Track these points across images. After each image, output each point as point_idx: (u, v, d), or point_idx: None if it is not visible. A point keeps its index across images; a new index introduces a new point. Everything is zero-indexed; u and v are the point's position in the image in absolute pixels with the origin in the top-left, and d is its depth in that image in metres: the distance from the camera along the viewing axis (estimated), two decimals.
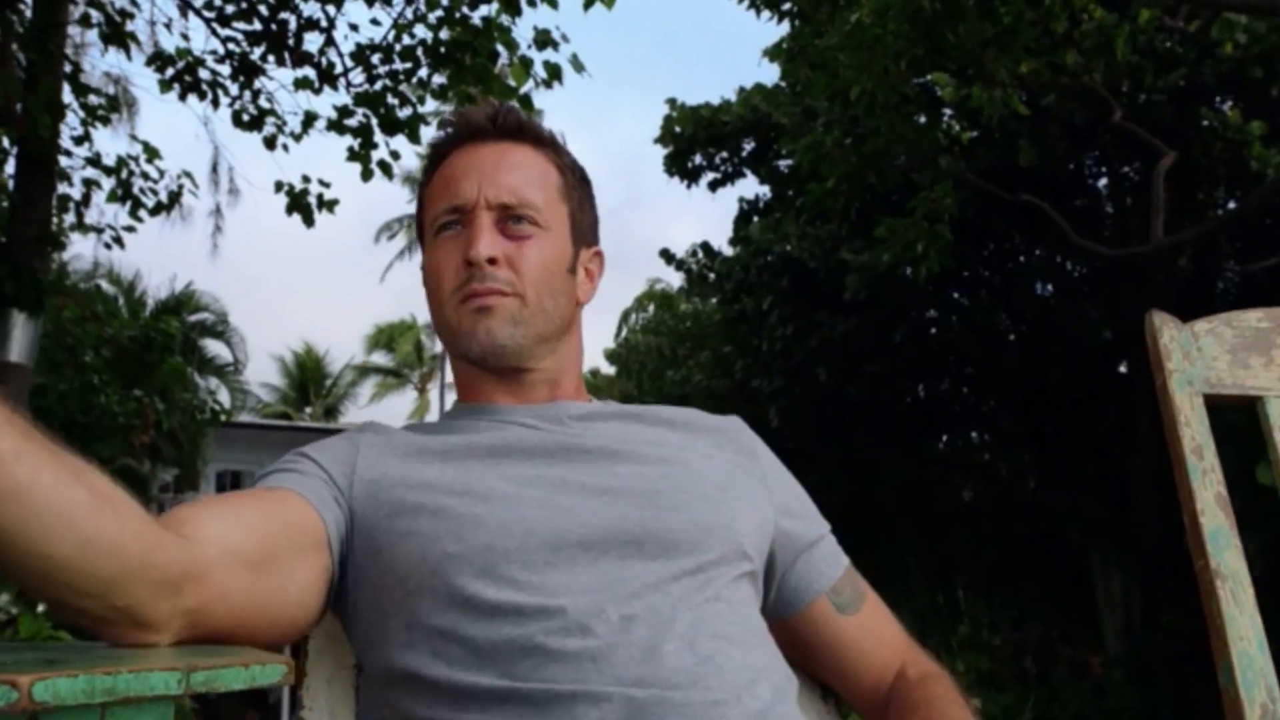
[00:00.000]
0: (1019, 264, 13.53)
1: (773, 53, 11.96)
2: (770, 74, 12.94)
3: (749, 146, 14.39)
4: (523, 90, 5.95)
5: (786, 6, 8.90)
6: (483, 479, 1.06)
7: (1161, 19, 9.93)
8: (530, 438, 1.12)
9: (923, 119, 10.21)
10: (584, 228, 1.23)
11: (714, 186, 14.57)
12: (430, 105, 7.15)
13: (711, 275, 14.37)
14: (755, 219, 14.43)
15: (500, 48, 6.11)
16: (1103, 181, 13.14)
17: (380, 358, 32.09)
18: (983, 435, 15.43)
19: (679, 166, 14.38)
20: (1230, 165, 10.78)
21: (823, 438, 13.59)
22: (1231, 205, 11.35)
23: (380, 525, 1.03)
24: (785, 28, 9.89)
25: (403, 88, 6.52)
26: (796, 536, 1.18)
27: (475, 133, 1.19)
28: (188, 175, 7.38)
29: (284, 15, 6.67)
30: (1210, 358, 1.22)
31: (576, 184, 1.23)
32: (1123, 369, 12.07)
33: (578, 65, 5.91)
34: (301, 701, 1.07)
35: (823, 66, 8.98)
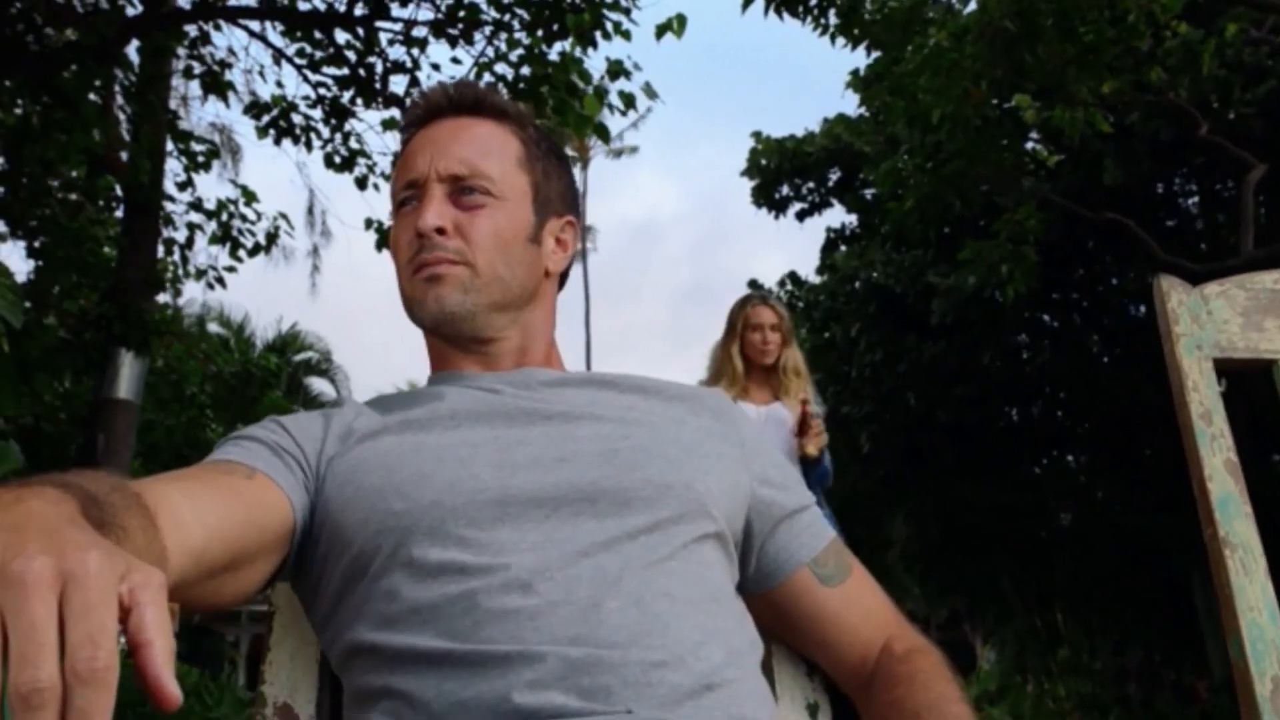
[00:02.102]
0: (1110, 286, 13.18)
1: (853, 82, 11.88)
2: (853, 104, 12.90)
3: (834, 176, 14.28)
4: (598, 119, 6.00)
5: (860, 33, 8.79)
6: (437, 442, 1.03)
7: (1248, 31, 9.64)
8: (491, 401, 1.09)
9: (1005, 142, 10.01)
10: (550, 198, 1.19)
11: (801, 217, 14.50)
12: None
13: (800, 304, 14.27)
14: (842, 247, 14.31)
15: (576, 79, 6.17)
16: (1193, 199, 12.76)
17: None
18: (1078, 458, 15.01)
19: (766, 198, 14.35)
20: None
21: (915, 463, 13.36)
22: None
23: (333, 498, 1.00)
24: (863, 55, 9.82)
25: None
26: (774, 504, 1.12)
27: (434, 112, 1.17)
28: (283, 217, 7.56)
29: (370, 59, 6.81)
30: (1221, 321, 1.15)
31: (541, 155, 1.19)
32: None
33: (650, 92, 5.92)
34: (263, 677, 1.04)
35: (901, 92, 8.88)
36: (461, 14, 6.51)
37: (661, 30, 5.52)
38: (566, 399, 1.10)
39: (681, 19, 5.56)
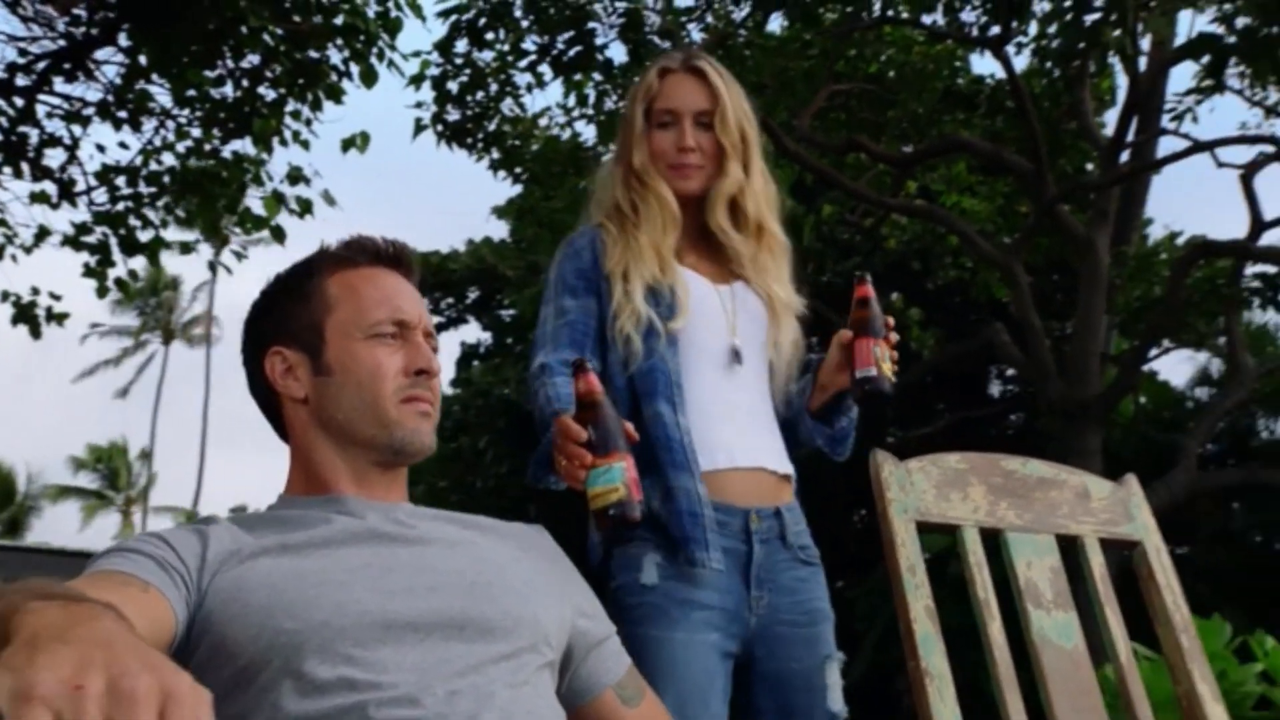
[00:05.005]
0: None
1: (502, 210, 12.27)
2: (498, 229, 13.40)
3: (474, 294, 14.58)
4: (274, 221, 5.90)
5: (520, 169, 9.18)
6: (314, 566, 1.09)
7: (842, 214, 10.90)
8: (356, 526, 1.17)
9: None
10: None
11: (439, 330, 14.62)
12: (174, 232, 6.96)
13: None
14: (476, 363, 14.53)
15: (251, 181, 6.05)
16: None
17: (86, 480, 29.98)
18: None
19: None
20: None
21: None
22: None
23: (215, 613, 1.03)
24: (517, 188, 10.21)
25: (146, 210, 6.29)
26: (589, 634, 1.26)
27: (390, 260, 1.30)
28: None
29: (25, 129, 6.35)
30: (921, 491, 1.38)
31: None
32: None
33: (329, 199, 5.93)
34: None
35: (550, 226, 9.30)
36: (130, 98, 6.22)
37: (347, 145, 5.57)
38: (420, 527, 1.21)
39: (365, 136, 5.63)
